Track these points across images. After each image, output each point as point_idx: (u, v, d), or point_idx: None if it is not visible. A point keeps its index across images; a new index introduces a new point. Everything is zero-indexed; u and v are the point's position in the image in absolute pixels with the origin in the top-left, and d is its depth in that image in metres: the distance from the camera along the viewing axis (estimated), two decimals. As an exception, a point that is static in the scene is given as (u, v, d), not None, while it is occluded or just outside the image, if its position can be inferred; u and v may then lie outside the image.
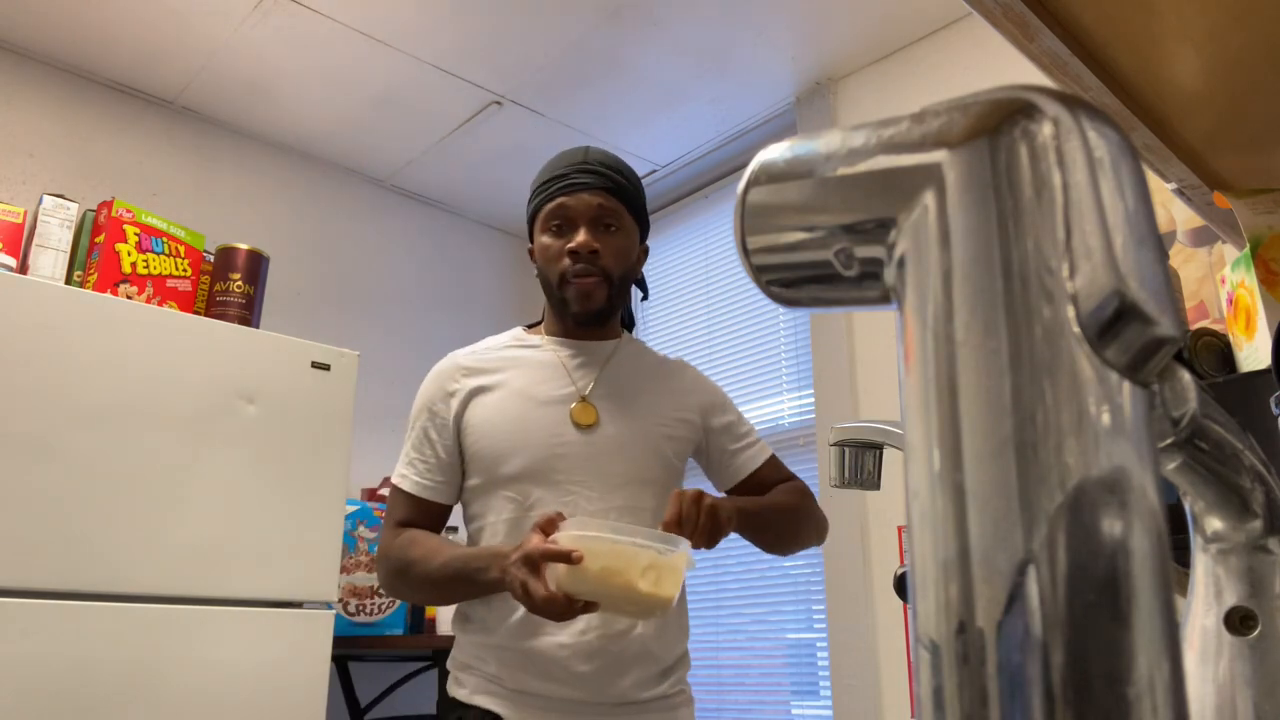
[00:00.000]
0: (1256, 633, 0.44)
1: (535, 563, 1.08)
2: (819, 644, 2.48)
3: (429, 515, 1.34)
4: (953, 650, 0.20)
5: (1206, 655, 0.45)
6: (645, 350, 1.47)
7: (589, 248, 1.31)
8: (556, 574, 1.07)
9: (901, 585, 1.12)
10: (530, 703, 1.24)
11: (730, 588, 2.72)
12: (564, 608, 1.07)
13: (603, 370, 1.37)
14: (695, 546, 1.15)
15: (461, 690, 1.29)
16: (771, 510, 1.34)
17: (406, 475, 1.34)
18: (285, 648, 2.00)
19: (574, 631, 1.22)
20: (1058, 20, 0.71)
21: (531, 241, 1.40)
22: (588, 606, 1.09)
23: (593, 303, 1.34)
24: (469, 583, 1.21)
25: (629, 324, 1.52)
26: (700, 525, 1.15)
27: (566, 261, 1.32)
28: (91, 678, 1.75)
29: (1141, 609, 0.20)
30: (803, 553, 2.54)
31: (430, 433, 1.35)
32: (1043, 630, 0.19)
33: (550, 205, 1.34)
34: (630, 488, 1.30)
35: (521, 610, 1.22)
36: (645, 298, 1.55)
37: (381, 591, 2.51)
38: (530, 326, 1.46)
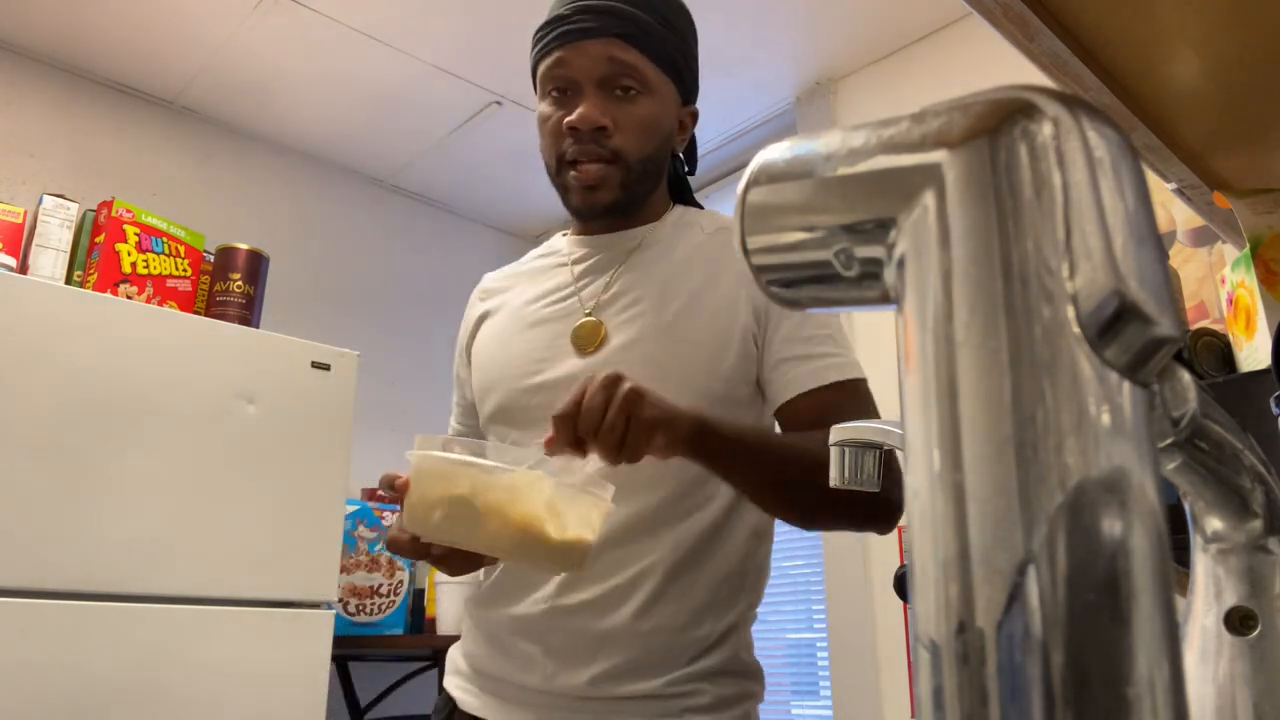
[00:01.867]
0: (1256, 633, 0.44)
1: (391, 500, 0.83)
2: (819, 644, 2.48)
3: None
4: (953, 650, 0.20)
5: (1206, 655, 0.45)
6: (696, 224, 1.07)
7: (592, 122, 0.98)
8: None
9: (901, 585, 1.12)
10: (484, 685, 0.99)
11: (730, 588, 2.72)
12: (413, 551, 0.83)
13: (620, 269, 1.03)
14: (607, 460, 0.79)
15: (446, 672, 1.08)
16: (760, 450, 0.88)
17: (450, 425, 1.16)
18: (285, 648, 2.00)
19: (528, 600, 0.95)
20: (1058, 20, 0.71)
21: None
22: (463, 553, 0.80)
23: (599, 196, 1.00)
24: None
25: (680, 196, 1.15)
26: (608, 424, 0.77)
27: (567, 140, 0.99)
28: (91, 678, 1.75)
29: (1141, 609, 0.20)
30: (803, 552, 2.55)
31: (459, 370, 1.14)
32: (1043, 630, 0.19)
33: (547, 61, 1.01)
34: None
35: (498, 569, 1.00)
36: (691, 171, 1.18)
37: (382, 591, 2.51)
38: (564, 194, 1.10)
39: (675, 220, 1.08)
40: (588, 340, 0.98)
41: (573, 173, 1.00)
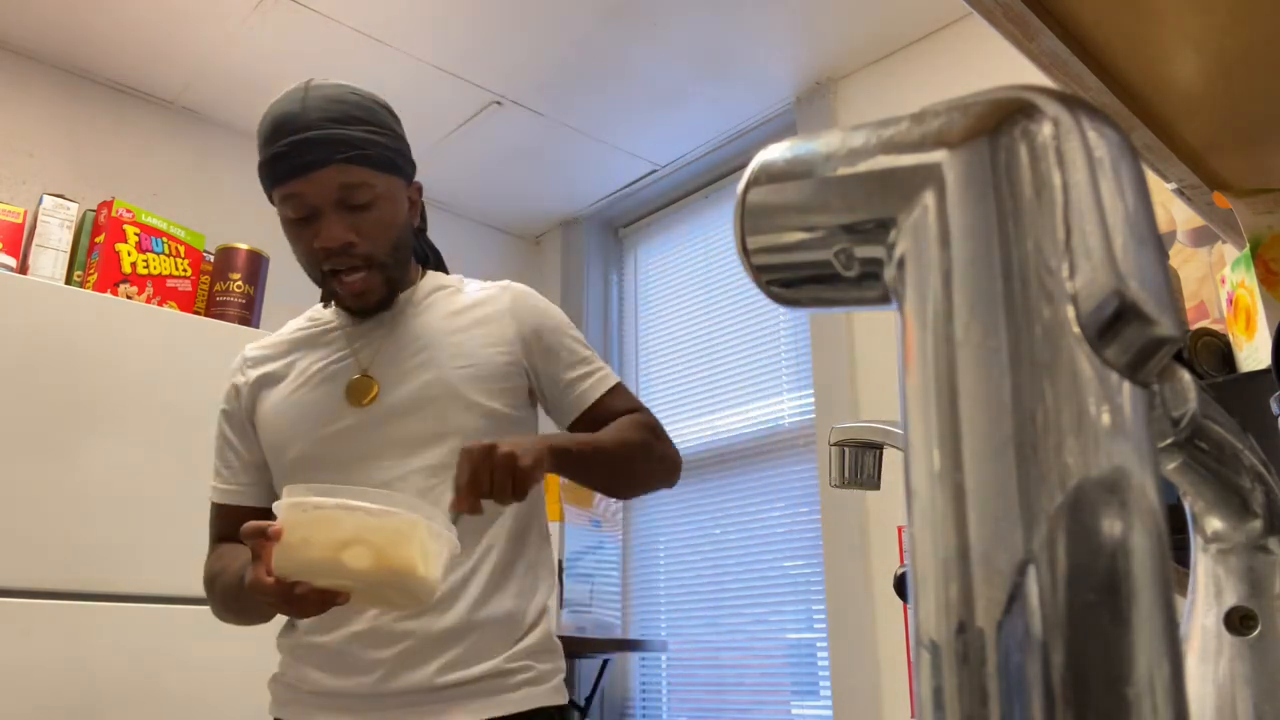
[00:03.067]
0: (1256, 633, 0.44)
1: (253, 547, 0.92)
2: (819, 644, 2.48)
3: (238, 526, 1.12)
4: (953, 650, 0.20)
5: (1206, 655, 0.45)
6: (453, 286, 1.26)
7: (338, 240, 1.11)
8: (273, 557, 0.89)
9: (901, 585, 1.12)
10: (326, 704, 1.10)
11: (730, 588, 2.72)
12: (277, 595, 0.89)
13: (390, 332, 1.19)
14: (501, 502, 0.98)
15: (273, 704, 1.17)
16: (602, 448, 1.13)
17: (214, 487, 1.22)
18: (285, 648, 1.99)
19: (368, 616, 1.08)
20: (1058, 20, 0.71)
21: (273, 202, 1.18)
22: (325, 595, 0.89)
23: (368, 299, 1.16)
24: (242, 590, 1.00)
25: (427, 260, 1.32)
26: (499, 484, 0.96)
27: (321, 258, 1.14)
28: (91, 678, 1.75)
29: (1141, 609, 0.20)
30: (803, 552, 2.55)
31: (227, 433, 1.22)
32: (1043, 630, 0.19)
33: (280, 192, 1.13)
34: (431, 448, 1.12)
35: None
36: (424, 230, 1.33)
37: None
38: (328, 302, 1.26)
39: (430, 285, 1.26)
40: (361, 395, 1.15)
41: (335, 285, 1.16)
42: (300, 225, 1.14)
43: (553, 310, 1.26)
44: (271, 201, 1.18)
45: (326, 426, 1.14)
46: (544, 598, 1.19)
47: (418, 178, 1.30)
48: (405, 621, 1.08)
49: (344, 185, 1.11)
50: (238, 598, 1.06)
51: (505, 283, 1.28)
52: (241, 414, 1.22)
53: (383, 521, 0.86)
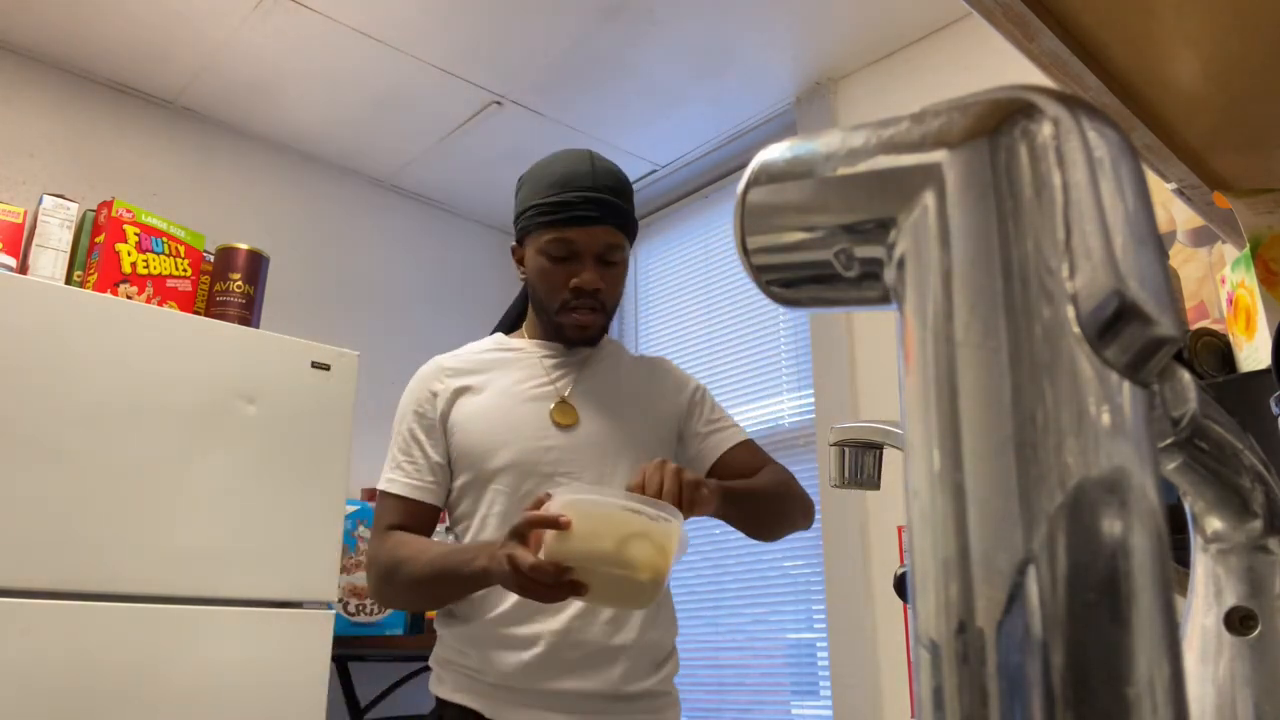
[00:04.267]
0: (1256, 633, 0.44)
1: (523, 533, 1.05)
2: (819, 644, 2.48)
3: (419, 518, 1.31)
4: (953, 650, 0.20)
5: (1206, 655, 0.45)
6: (623, 351, 1.49)
7: (594, 286, 1.31)
8: (546, 544, 1.02)
9: (901, 585, 1.12)
10: (512, 697, 1.21)
11: (730, 588, 2.72)
12: (552, 576, 1.01)
13: (581, 371, 1.38)
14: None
15: (442, 687, 1.27)
16: (756, 491, 1.30)
17: (395, 479, 1.32)
18: (285, 648, 2.00)
19: (561, 618, 1.21)
20: (1058, 20, 0.71)
21: (519, 244, 1.39)
22: (576, 586, 1.02)
23: (589, 335, 1.36)
24: (456, 575, 1.17)
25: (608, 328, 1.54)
26: (668, 489, 1.09)
27: (569, 295, 1.32)
28: (91, 678, 1.75)
29: (1141, 609, 0.20)
30: (803, 552, 2.55)
31: (418, 434, 1.34)
32: (1043, 630, 0.19)
33: (553, 235, 1.31)
34: (616, 478, 1.29)
35: (509, 600, 1.21)
36: None
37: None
38: (510, 332, 1.46)
39: (607, 344, 1.45)
40: (565, 418, 1.32)
41: (572, 317, 1.33)
42: (558, 263, 1.32)
43: (696, 380, 1.47)
44: (524, 234, 1.36)
45: (536, 440, 1.29)
46: (677, 629, 1.36)
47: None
48: (586, 632, 1.22)
49: (609, 244, 1.31)
50: (435, 581, 1.20)
51: (658, 356, 1.51)
52: (436, 417, 1.33)
53: (659, 524, 1.01)
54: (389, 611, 2.51)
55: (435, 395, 1.35)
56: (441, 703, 1.26)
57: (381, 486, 1.34)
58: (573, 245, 1.30)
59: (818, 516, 2.49)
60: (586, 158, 1.35)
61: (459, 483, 1.33)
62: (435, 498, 1.32)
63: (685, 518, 1.08)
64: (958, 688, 0.20)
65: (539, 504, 1.05)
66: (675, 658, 1.34)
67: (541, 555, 1.01)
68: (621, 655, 1.23)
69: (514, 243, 1.40)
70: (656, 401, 1.41)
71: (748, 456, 1.38)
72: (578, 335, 1.36)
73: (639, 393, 1.41)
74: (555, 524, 1.00)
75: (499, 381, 1.35)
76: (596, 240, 1.31)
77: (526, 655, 1.21)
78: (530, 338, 1.42)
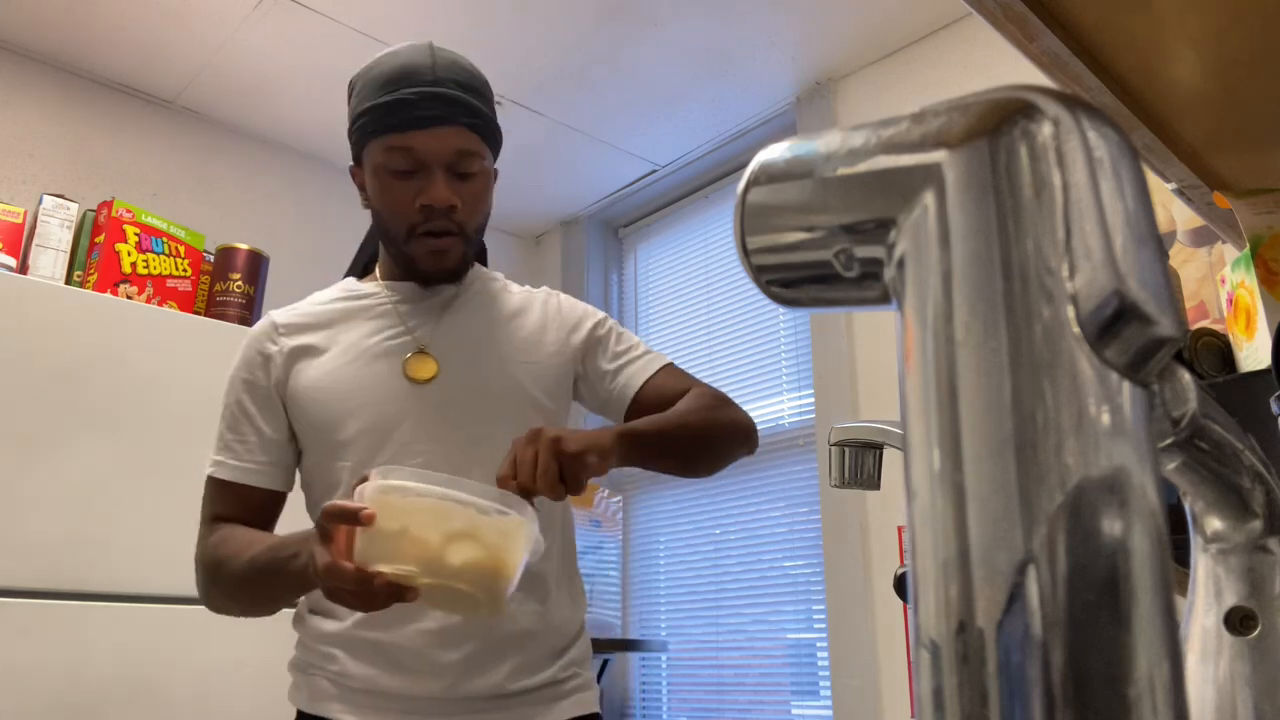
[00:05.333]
0: (1256, 633, 0.44)
1: (326, 528, 0.85)
2: (819, 644, 2.48)
3: (253, 507, 1.11)
4: (953, 650, 0.20)
5: (1206, 655, 0.45)
6: (500, 284, 1.24)
7: (445, 202, 1.08)
8: (356, 542, 0.82)
9: (901, 585, 1.12)
10: (382, 704, 1.04)
11: (730, 588, 2.72)
12: (354, 582, 0.82)
13: (445, 313, 1.16)
14: (553, 496, 0.89)
15: (300, 696, 1.12)
16: (669, 426, 1.06)
17: (222, 461, 1.12)
18: (285, 648, 2.00)
19: (438, 614, 1.04)
20: (1058, 20, 0.71)
21: (356, 164, 1.16)
22: (397, 591, 0.82)
23: (446, 263, 1.13)
24: (278, 576, 0.97)
25: (478, 256, 1.28)
26: (543, 467, 0.87)
27: (418, 216, 1.10)
28: (91, 678, 1.75)
29: (1141, 609, 0.20)
30: (804, 552, 2.55)
31: (247, 406, 1.13)
32: (1043, 630, 0.19)
33: (391, 139, 1.08)
34: (490, 441, 1.05)
35: None
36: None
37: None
38: (363, 275, 1.24)
39: (482, 276, 1.23)
40: (422, 370, 1.11)
41: (425, 244, 1.11)
42: (400, 178, 1.09)
43: (595, 310, 1.25)
44: (359, 148, 1.14)
45: (387, 404, 1.09)
46: (584, 607, 1.19)
47: None
48: (479, 626, 1.04)
49: (460, 150, 1.09)
50: (256, 583, 1.01)
51: (545, 289, 1.27)
52: (269, 386, 1.13)
53: (493, 520, 0.81)
54: (389, 611, 2.50)
55: (268, 359, 1.14)
56: (302, 715, 1.11)
57: (208, 471, 1.13)
58: (415, 154, 1.08)
59: (818, 516, 2.50)
60: (426, 49, 1.12)
61: (308, 463, 1.13)
62: (272, 480, 1.12)
63: (573, 495, 0.91)
64: (958, 688, 0.20)
65: (358, 489, 0.85)
66: (585, 638, 1.17)
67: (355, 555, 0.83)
68: (513, 649, 1.06)
69: (351, 163, 1.18)
70: (543, 336, 1.17)
71: (672, 384, 1.15)
72: (433, 266, 1.13)
73: (519, 329, 1.17)
74: (355, 518, 0.81)
75: (345, 336, 1.14)
76: (445, 145, 1.08)
77: (396, 658, 1.04)
78: (383, 279, 1.19)
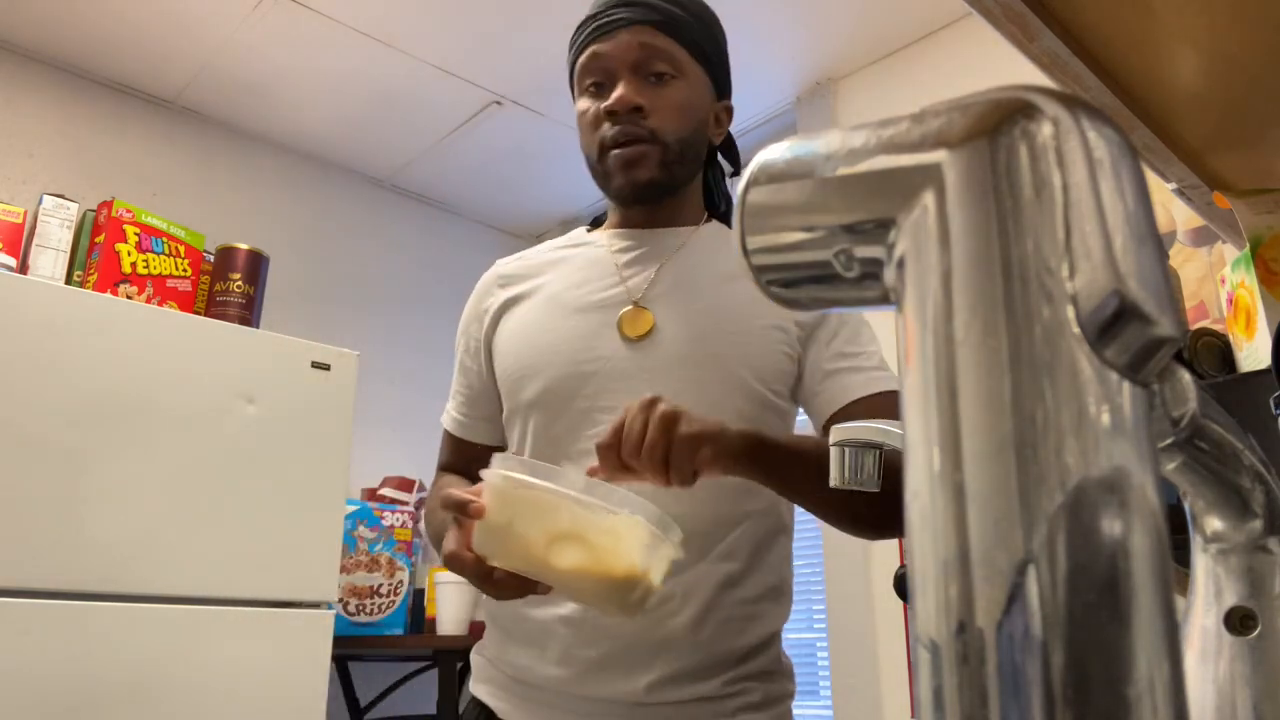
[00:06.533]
0: (1256, 633, 0.44)
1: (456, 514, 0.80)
2: (819, 644, 2.48)
3: (464, 458, 1.07)
4: (953, 650, 0.20)
5: (1206, 655, 0.45)
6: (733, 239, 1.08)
7: (628, 104, 0.98)
8: (474, 532, 0.78)
9: (901, 585, 1.12)
10: (526, 694, 0.96)
11: (730, 588, 2.72)
12: (475, 575, 0.78)
13: (666, 264, 1.02)
14: (656, 480, 0.78)
15: (471, 679, 1.05)
16: (811, 467, 0.83)
17: (447, 411, 1.12)
18: (285, 648, 2.00)
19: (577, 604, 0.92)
20: (1058, 20, 0.71)
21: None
22: (522, 581, 0.76)
23: (639, 173, 1.00)
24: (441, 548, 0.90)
25: (718, 207, 1.14)
26: (650, 443, 0.75)
27: (605, 126, 1.00)
28: (91, 678, 1.74)
29: (1141, 609, 0.20)
30: (804, 552, 2.55)
31: (465, 359, 1.10)
32: (1043, 630, 0.19)
33: (583, 58, 1.02)
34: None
35: None
36: (735, 172, 1.16)
37: (382, 591, 2.51)
38: (597, 226, 1.14)
39: (713, 231, 1.08)
40: (636, 327, 0.97)
41: (613, 153, 1.00)
42: (593, 96, 1.02)
43: None
44: (573, 93, 1.07)
45: (577, 363, 0.97)
46: (781, 620, 1.02)
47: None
48: (626, 624, 0.90)
49: (646, 46, 1.00)
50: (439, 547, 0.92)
51: None
52: (480, 339, 1.08)
53: (599, 519, 0.72)
54: (389, 611, 2.51)
55: (485, 313, 1.09)
56: (471, 699, 1.04)
57: (442, 419, 1.13)
58: (602, 63, 1.01)
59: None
60: None
61: (504, 418, 1.06)
62: (480, 435, 1.08)
63: (679, 485, 0.78)
64: (958, 688, 0.20)
65: (483, 473, 0.80)
66: (767, 652, 0.99)
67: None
68: (658, 657, 0.91)
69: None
70: (755, 312, 0.98)
71: (887, 410, 0.92)
72: (625, 180, 1.00)
73: (735, 299, 0.99)
74: (465, 510, 0.76)
75: (551, 286, 1.04)
76: (629, 49, 0.99)
77: (536, 643, 0.95)
78: (609, 229, 1.10)
